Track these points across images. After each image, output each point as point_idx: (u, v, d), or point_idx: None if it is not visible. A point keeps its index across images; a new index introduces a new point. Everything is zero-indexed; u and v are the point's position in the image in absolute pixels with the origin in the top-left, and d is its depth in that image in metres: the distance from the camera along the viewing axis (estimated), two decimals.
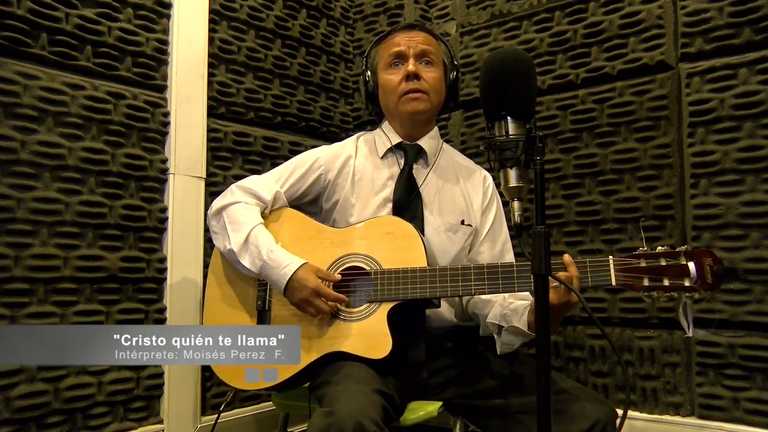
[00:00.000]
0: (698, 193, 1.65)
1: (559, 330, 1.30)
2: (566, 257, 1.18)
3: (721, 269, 1.12)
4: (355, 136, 1.61)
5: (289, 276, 1.30)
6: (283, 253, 1.34)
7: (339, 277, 1.34)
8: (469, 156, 1.68)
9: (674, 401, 1.67)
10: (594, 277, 1.18)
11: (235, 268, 1.43)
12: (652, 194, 1.73)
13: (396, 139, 1.53)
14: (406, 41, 1.49)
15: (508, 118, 0.98)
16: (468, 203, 1.52)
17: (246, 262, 1.36)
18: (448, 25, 2.21)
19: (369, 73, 1.54)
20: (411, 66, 1.45)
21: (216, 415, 1.69)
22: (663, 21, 1.75)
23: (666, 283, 1.14)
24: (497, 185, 1.58)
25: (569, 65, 1.91)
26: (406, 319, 1.33)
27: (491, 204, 1.54)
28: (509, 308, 1.31)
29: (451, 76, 1.52)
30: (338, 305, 1.32)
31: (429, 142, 1.54)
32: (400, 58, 1.47)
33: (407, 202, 1.46)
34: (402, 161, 1.52)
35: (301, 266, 1.31)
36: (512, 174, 0.98)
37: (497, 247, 1.51)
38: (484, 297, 1.40)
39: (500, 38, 2.07)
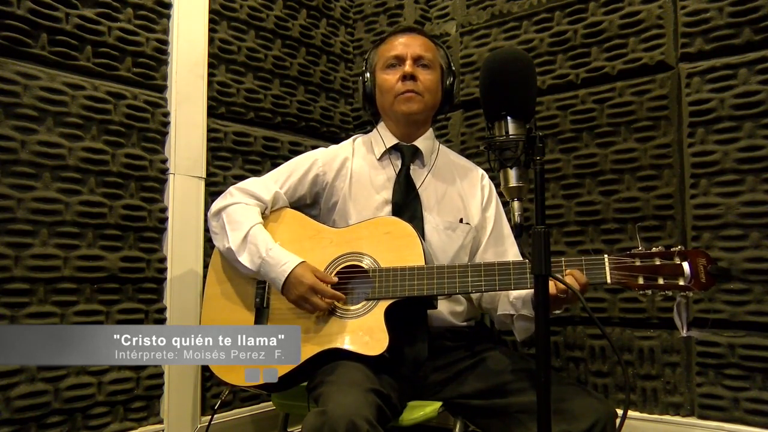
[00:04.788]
0: (698, 193, 1.65)
1: (557, 313, 1.32)
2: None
3: (714, 268, 1.14)
4: (351, 139, 1.63)
5: (288, 273, 1.31)
6: (282, 251, 1.36)
7: (335, 279, 1.34)
8: (469, 156, 1.69)
9: (674, 401, 1.67)
10: (589, 275, 1.20)
11: (234, 266, 1.43)
12: (652, 194, 1.73)
13: (392, 141, 1.55)
14: (405, 44, 1.52)
15: (508, 118, 0.98)
16: (465, 202, 1.53)
17: (245, 260, 1.37)
18: (448, 25, 2.21)
19: (367, 74, 1.56)
20: (408, 67, 1.48)
21: (210, 416, 1.68)
22: (663, 21, 1.75)
23: (660, 282, 1.16)
24: (497, 185, 1.58)
25: (569, 65, 1.91)
26: (408, 318, 1.34)
27: (490, 201, 1.57)
28: (513, 296, 1.36)
29: (447, 80, 1.55)
30: (335, 303, 1.33)
31: (425, 142, 1.56)
32: (398, 60, 1.50)
33: (406, 203, 1.47)
34: (399, 162, 1.53)
35: (299, 264, 1.33)
36: (512, 174, 0.98)
37: (501, 245, 1.53)
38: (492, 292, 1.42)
39: (500, 38, 2.07)
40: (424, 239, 1.43)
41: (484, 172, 1.61)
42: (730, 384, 1.58)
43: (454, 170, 1.58)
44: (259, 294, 1.42)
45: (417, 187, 1.50)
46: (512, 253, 1.51)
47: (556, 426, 0.99)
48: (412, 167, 1.53)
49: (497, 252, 1.52)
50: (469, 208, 1.53)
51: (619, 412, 1.16)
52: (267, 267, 1.34)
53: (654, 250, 1.18)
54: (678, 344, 1.68)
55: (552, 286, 1.17)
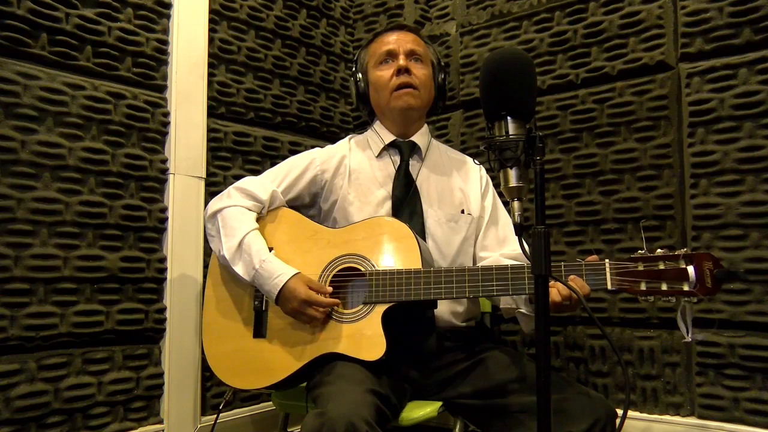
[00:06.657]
0: (698, 193, 1.65)
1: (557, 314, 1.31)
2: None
3: (721, 273, 1.09)
4: (346, 138, 1.64)
5: (281, 286, 1.30)
6: (276, 262, 1.34)
7: (330, 289, 1.33)
8: (469, 156, 1.69)
9: (674, 401, 1.67)
10: (589, 280, 1.17)
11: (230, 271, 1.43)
12: (652, 194, 1.73)
13: (389, 138, 1.56)
14: (396, 40, 1.53)
15: (508, 118, 0.98)
16: (465, 193, 1.55)
17: (239, 270, 1.37)
18: (448, 25, 2.21)
19: (359, 74, 1.57)
20: (402, 61, 1.49)
21: (215, 416, 1.69)
22: (663, 21, 1.75)
23: (664, 287, 1.12)
24: (497, 185, 1.58)
25: (569, 65, 1.91)
26: (414, 315, 1.34)
27: (487, 190, 1.58)
28: None
29: (439, 76, 1.55)
30: (333, 308, 1.32)
31: (421, 138, 1.58)
32: (391, 55, 1.52)
33: (406, 198, 1.47)
34: (397, 158, 1.54)
35: (292, 277, 1.31)
36: (512, 174, 0.98)
37: (501, 232, 1.54)
38: None
39: (500, 38, 2.07)
40: (426, 233, 1.44)
41: (480, 164, 1.62)
42: (730, 384, 1.58)
43: (452, 164, 1.60)
44: (258, 297, 1.41)
45: (416, 182, 1.50)
46: (511, 239, 1.52)
47: (557, 426, 0.99)
48: (410, 163, 1.53)
49: (498, 238, 1.53)
50: (469, 199, 1.54)
51: (619, 412, 1.16)
52: (260, 279, 1.33)
53: (658, 253, 1.14)
54: (678, 344, 1.68)
55: (555, 293, 1.17)
